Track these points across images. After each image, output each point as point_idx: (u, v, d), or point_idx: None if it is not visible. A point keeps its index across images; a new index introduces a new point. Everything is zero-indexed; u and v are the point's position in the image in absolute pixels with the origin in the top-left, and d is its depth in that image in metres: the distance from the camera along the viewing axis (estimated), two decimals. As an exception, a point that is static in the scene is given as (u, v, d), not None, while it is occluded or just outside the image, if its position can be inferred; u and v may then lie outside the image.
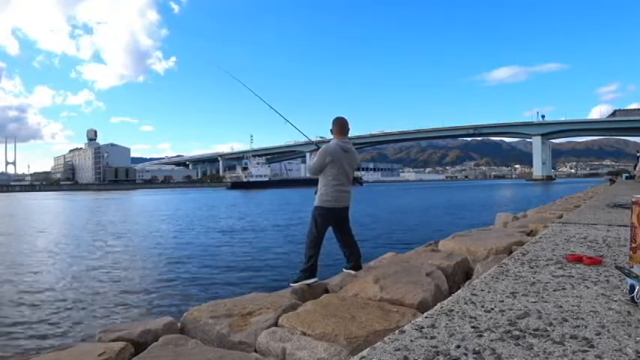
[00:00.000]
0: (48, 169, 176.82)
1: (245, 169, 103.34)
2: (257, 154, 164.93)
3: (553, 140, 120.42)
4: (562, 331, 1.14)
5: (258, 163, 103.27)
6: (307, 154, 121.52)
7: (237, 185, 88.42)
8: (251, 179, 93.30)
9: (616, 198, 7.19)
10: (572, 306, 1.36)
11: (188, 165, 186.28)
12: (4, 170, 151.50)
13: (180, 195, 57.67)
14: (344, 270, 3.49)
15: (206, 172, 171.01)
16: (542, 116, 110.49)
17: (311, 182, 3.78)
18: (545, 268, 1.95)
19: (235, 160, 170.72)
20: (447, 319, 1.26)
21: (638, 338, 1.08)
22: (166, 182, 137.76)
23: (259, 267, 7.88)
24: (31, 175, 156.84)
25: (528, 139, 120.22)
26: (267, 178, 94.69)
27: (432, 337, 1.11)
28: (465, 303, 1.42)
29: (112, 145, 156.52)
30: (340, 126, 3.48)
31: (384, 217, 18.10)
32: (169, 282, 6.79)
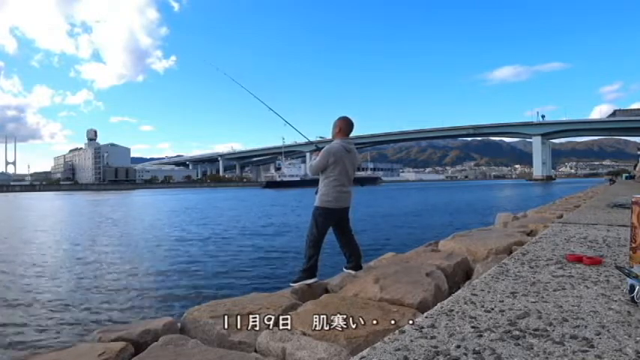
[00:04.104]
0: (48, 169, 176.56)
1: (278, 169, 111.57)
2: (257, 153, 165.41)
3: (553, 140, 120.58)
4: (562, 331, 1.14)
5: (290, 164, 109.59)
6: (307, 154, 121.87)
7: (271, 184, 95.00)
8: (284, 179, 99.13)
9: (616, 198, 7.19)
10: (572, 306, 1.36)
11: (188, 165, 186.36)
12: (4, 170, 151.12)
13: (225, 193, 58.44)
14: (344, 270, 3.48)
15: (206, 172, 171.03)
16: (543, 116, 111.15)
17: None
18: (545, 268, 1.95)
19: (235, 160, 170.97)
20: (447, 319, 1.26)
21: (638, 338, 1.08)
22: (166, 182, 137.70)
23: (259, 267, 7.88)
24: (31, 175, 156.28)
25: (528, 139, 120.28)
26: (298, 178, 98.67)
27: (432, 337, 1.11)
28: (465, 303, 1.42)
29: (112, 145, 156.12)
30: (345, 125, 3.47)
31: (383, 218, 18.10)
32: (169, 282, 6.80)
